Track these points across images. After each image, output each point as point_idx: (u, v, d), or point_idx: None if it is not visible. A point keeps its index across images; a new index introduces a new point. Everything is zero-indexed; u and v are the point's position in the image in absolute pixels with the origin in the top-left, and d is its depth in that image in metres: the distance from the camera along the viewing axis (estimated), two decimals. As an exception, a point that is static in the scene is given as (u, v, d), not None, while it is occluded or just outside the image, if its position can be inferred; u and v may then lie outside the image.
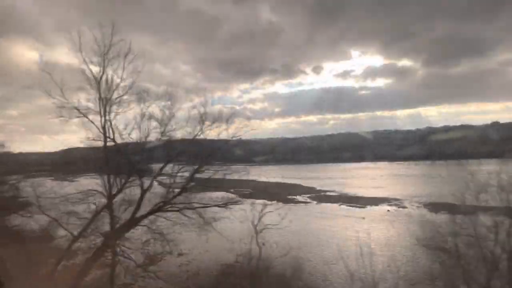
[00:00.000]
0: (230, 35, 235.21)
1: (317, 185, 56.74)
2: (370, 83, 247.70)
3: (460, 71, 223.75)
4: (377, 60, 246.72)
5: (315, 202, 42.16)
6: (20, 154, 28.47)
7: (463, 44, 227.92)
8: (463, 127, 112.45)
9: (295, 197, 45.20)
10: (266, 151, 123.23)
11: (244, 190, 46.84)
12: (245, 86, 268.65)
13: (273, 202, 36.16)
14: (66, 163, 24.38)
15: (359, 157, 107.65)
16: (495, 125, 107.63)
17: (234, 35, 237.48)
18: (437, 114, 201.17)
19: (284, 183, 60.54)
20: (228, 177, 17.24)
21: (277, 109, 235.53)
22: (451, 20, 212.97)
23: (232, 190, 49.58)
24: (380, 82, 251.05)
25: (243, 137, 18.15)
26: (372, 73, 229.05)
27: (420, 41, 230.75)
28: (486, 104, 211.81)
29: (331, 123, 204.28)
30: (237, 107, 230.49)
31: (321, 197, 45.52)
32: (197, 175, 16.21)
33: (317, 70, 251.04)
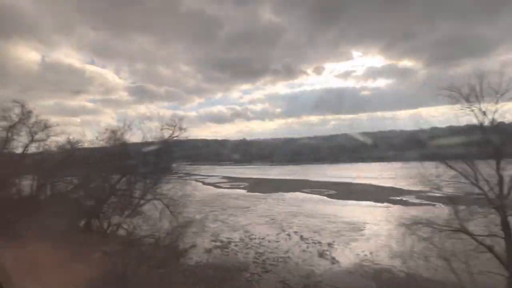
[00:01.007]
0: (231, 36, 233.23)
1: (391, 184, 51.71)
2: (371, 84, 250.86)
3: (461, 72, 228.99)
4: (378, 60, 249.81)
5: (431, 203, 33.90)
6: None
7: (464, 45, 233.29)
8: (469, 127, 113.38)
9: (399, 197, 39.75)
10: (268, 152, 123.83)
11: (323, 190, 46.23)
12: (246, 86, 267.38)
13: (382, 204, 36.80)
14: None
15: (374, 157, 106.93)
16: (501, 125, 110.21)
17: (235, 35, 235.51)
18: (438, 115, 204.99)
19: (342, 182, 56.46)
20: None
21: (278, 110, 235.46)
22: (452, 21, 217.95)
23: (307, 190, 49.20)
24: (381, 83, 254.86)
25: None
26: (373, 73, 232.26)
27: (421, 42, 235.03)
28: (487, 104, 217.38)
29: (332, 123, 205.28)
30: (238, 108, 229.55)
31: (429, 197, 36.48)
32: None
33: (318, 70, 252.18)
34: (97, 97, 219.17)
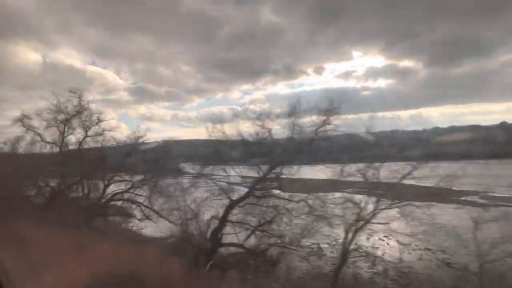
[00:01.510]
0: (231, 36, 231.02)
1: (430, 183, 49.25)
2: (371, 84, 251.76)
3: (462, 72, 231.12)
4: (378, 60, 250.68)
5: (506, 204, 32.67)
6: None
7: (465, 45, 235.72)
8: (471, 127, 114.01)
9: (462, 198, 37.30)
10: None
11: (366, 189, 43.20)
12: (246, 86, 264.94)
13: (449, 204, 33.78)
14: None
15: (376, 157, 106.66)
16: (504, 125, 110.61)
17: (235, 35, 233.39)
18: (439, 115, 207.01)
19: (377, 182, 54.19)
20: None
21: (278, 110, 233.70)
22: (452, 21, 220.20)
23: (349, 190, 46.42)
24: (382, 83, 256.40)
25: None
26: (373, 73, 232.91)
27: (422, 42, 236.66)
28: (488, 104, 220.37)
29: (333, 123, 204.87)
30: (239, 108, 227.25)
31: (493, 197, 37.05)
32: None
33: (318, 70, 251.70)
34: (97, 97, 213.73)
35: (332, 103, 15.95)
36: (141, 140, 20.86)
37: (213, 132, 17.30)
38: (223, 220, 14.91)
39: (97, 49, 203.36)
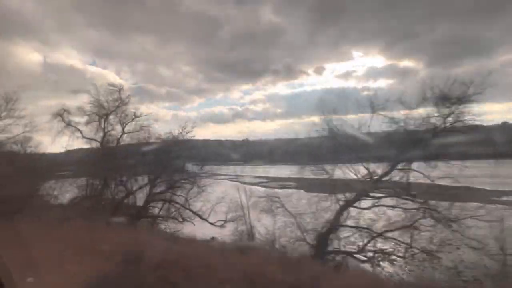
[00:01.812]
0: (231, 36, 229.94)
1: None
2: (372, 84, 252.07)
3: (462, 72, 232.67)
4: (378, 60, 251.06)
5: None
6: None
7: (465, 45, 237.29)
8: (472, 127, 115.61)
9: (500, 198, 36.30)
10: (272, 152, 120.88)
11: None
12: (246, 87, 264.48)
13: (499, 206, 31.96)
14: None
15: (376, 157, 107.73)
16: (505, 125, 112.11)
17: (235, 35, 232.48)
18: (439, 115, 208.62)
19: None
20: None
21: (278, 110, 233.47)
22: (452, 21, 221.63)
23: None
24: (382, 83, 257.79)
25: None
26: (374, 73, 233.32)
27: (422, 42, 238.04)
28: (488, 104, 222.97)
29: (333, 124, 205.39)
30: (239, 108, 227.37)
31: None
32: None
33: (318, 70, 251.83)
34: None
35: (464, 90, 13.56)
36: (188, 137, 19.23)
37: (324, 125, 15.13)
38: (334, 224, 13.14)
39: (98, 49, 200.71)
